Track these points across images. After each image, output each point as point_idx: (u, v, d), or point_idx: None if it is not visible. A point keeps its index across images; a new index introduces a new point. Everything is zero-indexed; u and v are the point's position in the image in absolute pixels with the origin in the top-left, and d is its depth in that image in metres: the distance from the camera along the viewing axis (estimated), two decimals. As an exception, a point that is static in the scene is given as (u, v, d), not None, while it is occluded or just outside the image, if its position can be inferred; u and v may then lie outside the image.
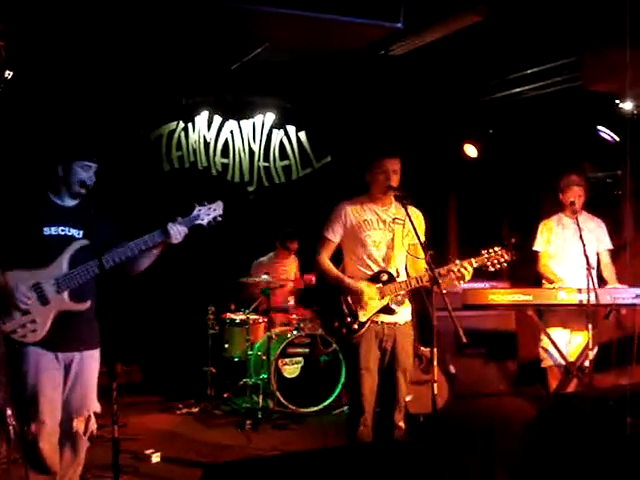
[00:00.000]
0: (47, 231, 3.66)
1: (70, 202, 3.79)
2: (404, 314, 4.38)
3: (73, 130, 6.35)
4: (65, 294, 3.58)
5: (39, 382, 3.60)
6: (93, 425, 3.83)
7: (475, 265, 4.25)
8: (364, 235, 4.32)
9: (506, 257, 4.26)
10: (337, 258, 4.47)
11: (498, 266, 4.28)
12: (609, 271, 5.70)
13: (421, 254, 4.30)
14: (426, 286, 4.20)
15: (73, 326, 3.65)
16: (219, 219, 3.86)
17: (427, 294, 4.23)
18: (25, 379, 3.60)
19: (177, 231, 3.70)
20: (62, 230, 3.69)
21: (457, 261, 4.26)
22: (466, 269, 4.23)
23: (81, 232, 3.72)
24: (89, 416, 3.81)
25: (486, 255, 4.27)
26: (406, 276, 4.37)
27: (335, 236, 4.37)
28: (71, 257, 3.61)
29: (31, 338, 3.55)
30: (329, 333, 4.41)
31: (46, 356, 3.63)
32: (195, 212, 3.80)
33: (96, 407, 3.84)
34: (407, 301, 4.40)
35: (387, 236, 4.34)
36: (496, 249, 4.28)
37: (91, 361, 3.79)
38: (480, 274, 4.43)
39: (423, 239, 4.35)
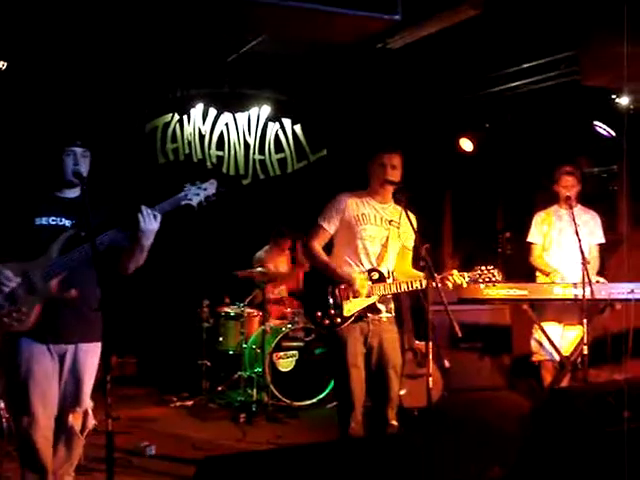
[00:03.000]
0: (38, 221, 3.62)
1: (69, 193, 3.74)
2: (388, 311, 4.39)
3: (55, 119, 6.32)
4: (53, 283, 3.50)
5: (30, 374, 3.56)
6: (91, 422, 3.78)
7: (467, 279, 4.31)
8: (360, 228, 4.31)
9: (497, 277, 4.35)
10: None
11: (488, 284, 4.40)
12: (593, 265, 5.69)
13: (408, 260, 4.40)
14: (416, 291, 4.26)
15: (64, 317, 3.59)
16: (212, 199, 3.69)
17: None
18: (17, 370, 3.56)
19: (146, 215, 3.51)
20: (53, 220, 3.65)
21: (454, 272, 4.31)
22: (456, 282, 4.28)
23: (73, 222, 3.66)
24: (86, 411, 3.75)
25: (479, 272, 4.33)
26: (392, 278, 4.38)
27: (330, 226, 4.36)
28: (61, 247, 3.54)
29: (17, 327, 3.47)
30: (311, 323, 4.43)
31: (38, 348, 3.58)
32: (183, 192, 3.62)
33: (88, 404, 3.77)
34: (391, 300, 4.43)
35: (382, 234, 4.35)
36: (489, 268, 4.35)
37: (87, 355, 3.70)
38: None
39: (411, 245, 4.45)
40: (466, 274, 4.30)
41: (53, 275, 3.51)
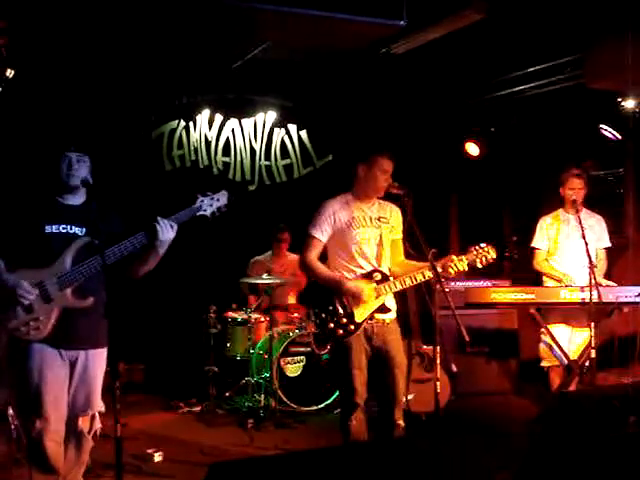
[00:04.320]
0: (49, 229, 3.65)
1: (74, 200, 3.78)
2: (391, 312, 4.40)
3: (60, 126, 6.35)
4: (68, 291, 3.56)
5: (43, 378, 3.59)
6: (98, 424, 3.83)
7: (466, 262, 4.29)
8: (354, 233, 4.31)
9: (492, 254, 4.33)
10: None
11: (485, 262, 4.33)
12: (600, 268, 5.67)
13: (401, 251, 4.39)
14: (420, 284, 4.25)
15: (77, 324, 3.63)
16: (224, 209, 3.78)
17: (429, 292, 4.24)
18: (29, 375, 3.60)
19: (164, 225, 3.60)
20: (63, 228, 3.68)
21: (453, 257, 4.30)
22: (457, 268, 4.27)
23: (84, 230, 3.70)
24: (94, 415, 3.80)
25: (474, 252, 4.32)
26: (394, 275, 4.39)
27: (323, 235, 4.35)
28: (74, 255, 3.59)
29: (34, 336, 3.54)
30: (323, 334, 4.39)
31: (50, 352, 3.62)
32: (197, 203, 3.72)
33: (100, 406, 3.83)
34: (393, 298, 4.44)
35: (375, 233, 4.36)
36: (482, 245, 4.33)
37: (97, 360, 3.76)
38: (482, 271, 4.44)
39: (401, 236, 4.47)
40: (464, 257, 4.29)
41: (68, 284, 3.56)
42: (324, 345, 6.26)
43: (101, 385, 3.83)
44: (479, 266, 4.35)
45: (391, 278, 4.32)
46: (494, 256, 4.33)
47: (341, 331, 4.23)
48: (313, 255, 4.35)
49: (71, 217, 3.71)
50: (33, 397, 3.59)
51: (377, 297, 4.27)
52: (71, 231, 3.69)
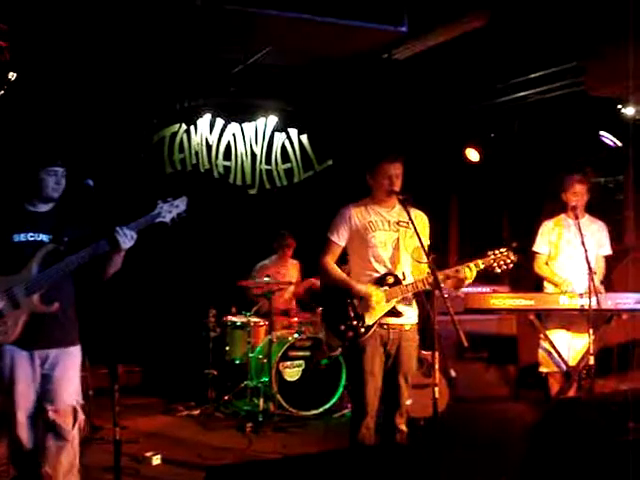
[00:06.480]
0: (17, 238, 3.74)
1: (43, 207, 3.85)
2: (410, 317, 4.35)
3: (38, 137, 6.35)
4: (35, 297, 3.64)
5: (14, 377, 3.68)
6: (81, 416, 3.86)
7: (481, 266, 4.22)
8: (370, 236, 4.31)
9: (512, 258, 4.23)
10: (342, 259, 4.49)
11: (504, 267, 4.24)
12: (598, 276, 5.65)
13: (424, 257, 4.32)
14: (431, 289, 4.20)
15: (46, 327, 3.71)
16: (183, 215, 3.79)
17: (428, 298, 4.23)
18: (2, 374, 3.70)
19: (124, 235, 3.65)
20: (31, 236, 3.76)
21: (463, 265, 4.25)
22: (471, 270, 4.20)
23: (50, 237, 3.77)
24: (75, 408, 3.83)
25: (492, 256, 4.24)
26: (412, 279, 4.36)
27: (340, 239, 4.37)
28: (40, 261, 3.67)
29: (2, 339, 3.63)
30: (334, 336, 4.39)
31: (21, 354, 3.71)
32: (157, 210, 3.74)
33: (74, 400, 3.84)
34: (414, 303, 4.39)
35: (392, 237, 4.34)
36: (502, 250, 4.24)
37: (67, 357, 3.83)
38: (481, 277, 4.42)
39: (427, 242, 4.37)
40: (480, 261, 4.22)
41: (34, 290, 3.64)
42: (334, 348, 6.30)
43: (77, 380, 3.88)
44: (498, 271, 4.24)
45: (404, 282, 4.30)
46: (514, 260, 4.21)
47: (351, 333, 4.23)
48: (329, 258, 4.38)
49: (38, 224, 3.79)
50: (6, 394, 3.69)
51: (388, 301, 4.25)
52: (38, 238, 3.77)
